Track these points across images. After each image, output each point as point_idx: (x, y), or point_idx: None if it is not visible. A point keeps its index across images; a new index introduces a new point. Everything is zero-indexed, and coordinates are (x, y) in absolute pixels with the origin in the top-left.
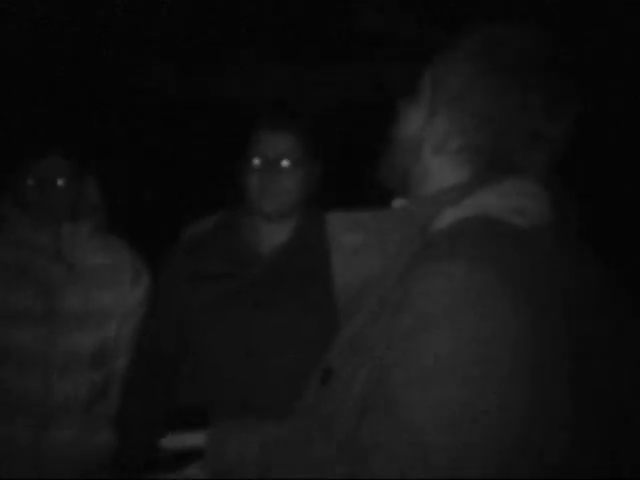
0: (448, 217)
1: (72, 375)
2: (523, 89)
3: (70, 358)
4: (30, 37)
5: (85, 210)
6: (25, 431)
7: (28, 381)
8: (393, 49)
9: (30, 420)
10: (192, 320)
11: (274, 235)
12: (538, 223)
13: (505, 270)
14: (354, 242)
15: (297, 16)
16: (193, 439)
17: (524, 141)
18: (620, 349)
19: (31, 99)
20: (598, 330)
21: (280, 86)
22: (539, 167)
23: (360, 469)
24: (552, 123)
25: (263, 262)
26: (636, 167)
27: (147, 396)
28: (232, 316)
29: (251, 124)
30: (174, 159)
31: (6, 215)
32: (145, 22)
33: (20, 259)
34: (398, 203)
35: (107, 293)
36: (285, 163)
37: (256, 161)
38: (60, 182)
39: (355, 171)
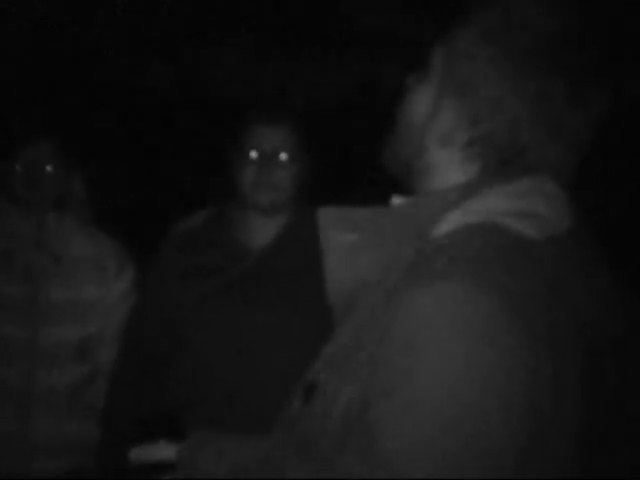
0: (450, 222)
1: (56, 366)
2: (544, 75)
3: (54, 349)
4: (29, 33)
5: (70, 202)
6: (8, 420)
7: (11, 370)
8: (390, 48)
9: (13, 409)
10: (181, 316)
11: (265, 230)
12: (552, 232)
13: (507, 296)
14: (348, 241)
15: (295, 15)
16: (164, 451)
17: (542, 134)
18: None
19: (25, 94)
20: (610, 350)
21: (277, 83)
22: (558, 165)
23: None
24: (575, 115)
25: (253, 257)
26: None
27: (132, 394)
28: (221, 312)
29: (243, 119)
30: (169, 156)
31: None
32: (141, 20)
33: (4, 249)
34: (397, 200)
35: (91, 284)
36: (282, 156)
37: (252, 154)
38: (48, 168)
39: (351, 169)
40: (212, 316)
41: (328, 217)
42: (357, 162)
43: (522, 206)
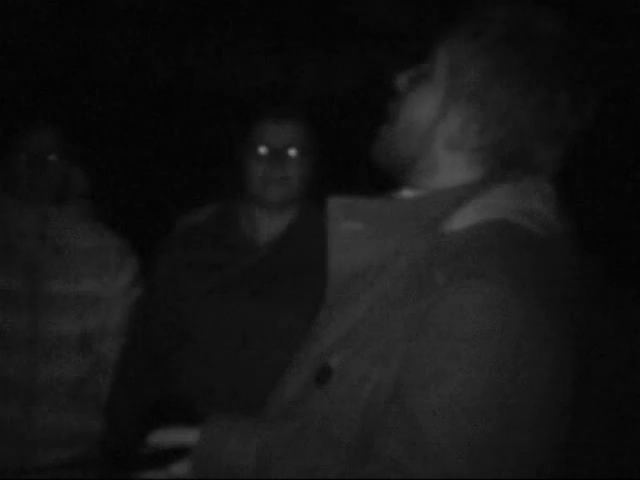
0: (464, 219)
1: (58, 358)
2: (551, 85)
3: (55, 342)
4: (32, 26)
5: (72, 194)
6: (10, 413)
7: (13, 363)
8: (389, 40)
9: (16, 402)
10: (187, 309)
11: (271, 225)
12: (553, 231)
13: (535, 291)
14: (352, 229)
15: (292, 6)
16: (181, 436)
17: (546, 140)
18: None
19: (29, 84)
20: (595, 344)
21: (273, 77)
22: (553, 166)
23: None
24: (575, 120)
25: (260, 253)
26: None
27: (137, 386)
28: (227, 306)
29: (246, 114)
30: (167, 150)
31: None
32: (141, 12)
33: (5, 240)
34: (399, 194)
35: (93, 277)
36: (292, 152)
37: (262, 150)
38: (51, 157)
39: (348, 163)
40: (217, 310)
41: (336, 205)
42: (362, 157)
43: (528, 206)
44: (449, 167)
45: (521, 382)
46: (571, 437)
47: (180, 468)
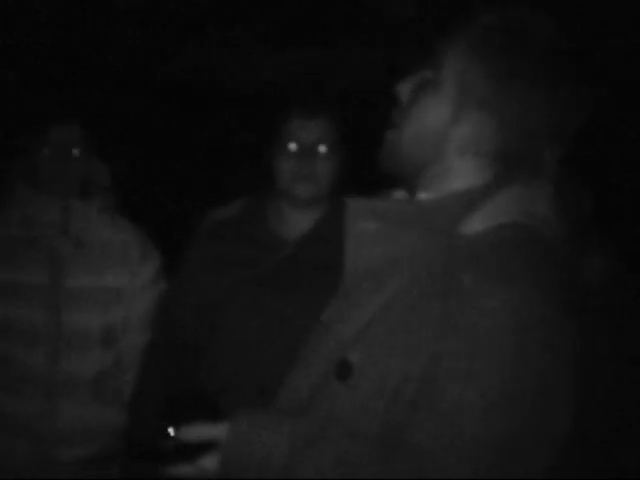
0: (479, 222)
1: (80, 352)
2: (555, 85)
3: (77, 335)
4: (53, 17)
5: (94, 188)
6: (32, 406)
7: (34, 356)
8: (408, 33)
9: (37, 396)
10: (214, 305)
11: (300, 222)
12: (556, 232)
13: (555, 292)
14: (368, 229)
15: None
16: (209, 430)
17: (552, 140)
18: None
19: (52, 77)
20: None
21: (302, 73)
22: (554, 167)
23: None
24: (577, 121)
25: (287, 249)
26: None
27: (162, 382)
28: (254, 303)
29: (276, 111)
30: (194, 145)
31: (15, 190)
32: (159, 6)
33: (28, 234)
34: (399, 194)
35: (114, 271)
36: (322, 149)
37: (292, 146)
38: (75, 152)
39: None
40: (244, 307)
41: (355, 206)
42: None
43: (537, 208)
44: (460, 171)
45: (550, 379)
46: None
47: (209, 461)
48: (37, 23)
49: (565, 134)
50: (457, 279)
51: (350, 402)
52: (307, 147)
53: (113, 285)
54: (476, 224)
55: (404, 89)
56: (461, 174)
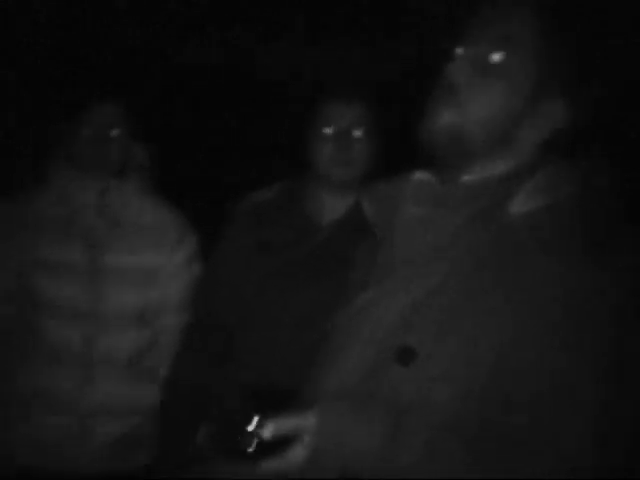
0: (526, 203)
1: (116, 330)
2: (597, 68)
3: (114, 314)
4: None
5: (132, 169)
6: (69, 383)
7: (72, 334)
8: (441, 24)
9: (74, 372)
10: (249, 288)
11: (336, 206)
12: (595, 209)
13: (609, 266)
14: (418, 213)
15: None
16: (295, 423)
17: (593, 124)
18: None
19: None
20: None
21: (338, 58)
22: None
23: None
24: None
25: (323, 232)
26: None
27: (198, 361)
28: (289, 286)
29: (313, 95)
30: (231, 129)
31: (55, 170)
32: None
33: (67, 213)
34: (420, 175)
35: (151, 251)
36: (357, 133)
37: (328, 130)
38: (114, 132)
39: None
40: (279, 290)
41: (385, 191)
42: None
43: (574, 187)
44: (508, 152)
45: (626, 353)
46: None
47: (297, 454)
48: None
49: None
50: (517, 260)
51: (415, 387)
52: (343, 131)
53: (150, 265)
54: (521, 205)
55: (457, 70)
56: (508, 155)
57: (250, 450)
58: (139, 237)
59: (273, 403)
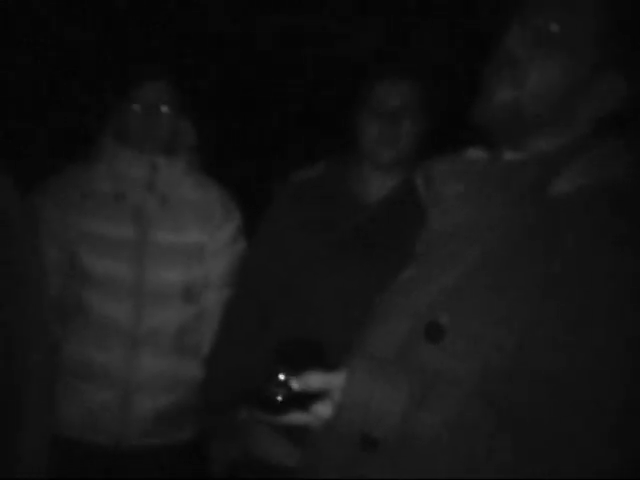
0: (572, 182)
1: (161, 306)
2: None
3: (160, 290)
4: None
5: (181, 146)
6: (115, 357)
7: (118, 308)
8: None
9: (118, 347)
10: (294, 266)
11: (382, 185)
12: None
13: None
14: (453, 191)
15: None
16: (325, 379)
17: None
18: None
19: (142, 35)
20: None
21: (387, 37)
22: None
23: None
24: None
25: (368, 211)
26: None
27: (242, 337)
28: (334, 264)
29: (359, 75)
30: (278, 108)
31: (104, 145)
32: None
33: (115, 189)
34: (473, 153)
35: (197, 228)
36: (405, 113)
37: (375, 109)
38: (163, 109)
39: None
40: (325, 268)
41: (439, 168)
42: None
43: (621, 167)
44: (558, 129)
45: None
46: None
47: (324, 410)
48: None
49: None
50: (557, 240)
51: (441, 364)
52: (390, 111)
53: (195, 242)
54: (568, 183)
55: (516, 41)
56: (563, 131)
57: (279, 399)
58: (186, 214)
59: (305, 358)
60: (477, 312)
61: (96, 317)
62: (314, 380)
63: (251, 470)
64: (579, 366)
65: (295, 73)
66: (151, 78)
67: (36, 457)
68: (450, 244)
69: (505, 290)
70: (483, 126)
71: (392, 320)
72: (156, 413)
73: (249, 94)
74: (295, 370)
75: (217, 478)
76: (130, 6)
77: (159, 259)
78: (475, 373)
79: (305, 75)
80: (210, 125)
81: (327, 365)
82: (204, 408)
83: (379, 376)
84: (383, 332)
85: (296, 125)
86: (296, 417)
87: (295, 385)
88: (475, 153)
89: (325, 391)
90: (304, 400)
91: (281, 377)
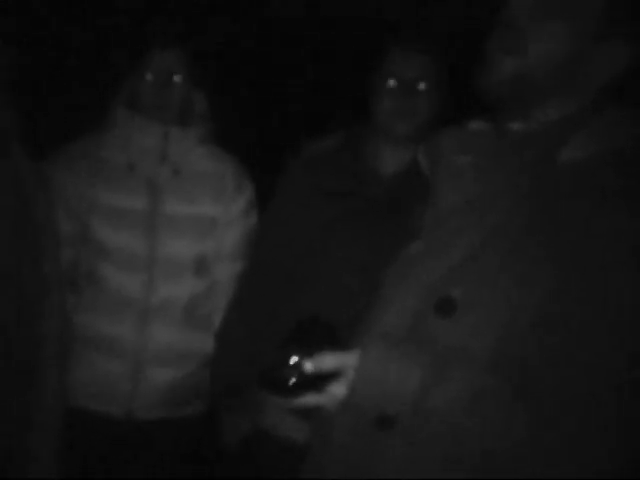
0: (581, 149)
1: (173, 278)
2: None
3: (172, 261)
4: None
5: (193, 117)
6: (126, 328)
7: (130, 280)
8: None
9: (130, 319)
10: (305, 236)
11: (397, 158)
12: None
13: None
14: (462, 161)
15: None
16: (339, 359)
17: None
18: None
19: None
20: None
21: (404, 9)
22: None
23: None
24: None
25: (383, 184)
26: None
27: (253, 310)
28: (348, 235)
29: (377, 47)
30: (293, 78)
31: (116, 114)
32: None
33: (127, 159)
34: (476, 125)
35: (210, 200)
36: (421, 85)
37: (391, 82)
38: (176, 79)
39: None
40: (339, 239)
41: (448, 141)
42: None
43: (630, 131)
44: (564, 99)
45: None
46: None
47: (337, 390)
48: None
49: None
50: (570, 208)
51: (455, 338)
52: (407, 84)
53: (208, 214)
54: (576, 151)
55: (519, 10)
56: (569, 100)
57: (291, 382)
58: (198, 185)
59: (318, 337)
60: (490, 284)
61: (108, 288)
62: (327, 361)
63: (261, 444)
64: (593, 338)
65: (312, 39)
66: (164, 47)
67: (50, 421)
68: (461, 217)
69: (519, 260)
70: (488, 97)
71: (402, 296)
72: (167, 385)
73: (263, 63)
74: (308, 351)
75: (228, 452)
76: None
77: (171, 231)
78: (489, 347)
79: (326, 40)
80: (223, 96)
81: (340, 343)
82: (214, 382)
83: (393, 354)
84: (394, 308)
85: (311, 94)
86: (310, 398)
87: (308, 367)
88: (479, 125)
89: (339, 371)
90: (318, 381)
91: (294, 359)
